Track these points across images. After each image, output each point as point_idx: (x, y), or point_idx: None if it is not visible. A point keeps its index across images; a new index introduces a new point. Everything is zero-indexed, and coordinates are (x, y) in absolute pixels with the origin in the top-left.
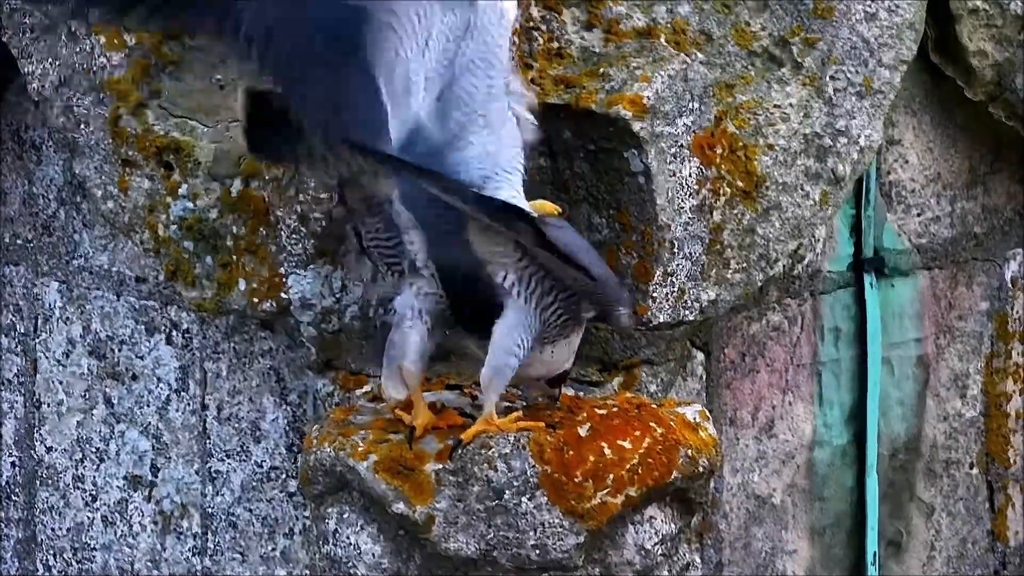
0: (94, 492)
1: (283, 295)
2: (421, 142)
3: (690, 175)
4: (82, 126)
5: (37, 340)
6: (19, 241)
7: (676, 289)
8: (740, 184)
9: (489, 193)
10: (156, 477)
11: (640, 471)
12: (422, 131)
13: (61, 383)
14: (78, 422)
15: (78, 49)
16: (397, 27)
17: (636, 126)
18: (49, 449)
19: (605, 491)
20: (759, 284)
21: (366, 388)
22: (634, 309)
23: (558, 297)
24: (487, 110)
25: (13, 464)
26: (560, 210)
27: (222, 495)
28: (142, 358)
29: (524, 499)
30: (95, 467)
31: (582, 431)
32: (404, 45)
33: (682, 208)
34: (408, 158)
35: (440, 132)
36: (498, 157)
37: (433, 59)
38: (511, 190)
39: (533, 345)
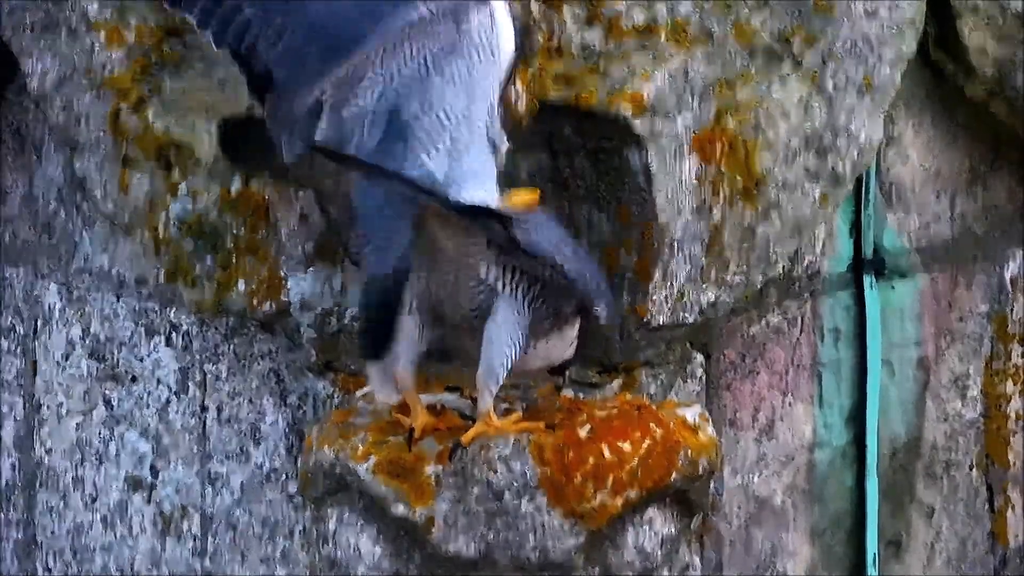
0: (94, 494)
1: (283, 296)
2: (360, 140)
3: (690, 173)
4: (82, 124)
5: (37, 342)
6: (19, 242)
7: (676, 291)
8: (740, 182)
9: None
10: (156, 479)
11: (640, 473)
12: (362, 131)
13: (61, 385)
14: (78, 424)
15: (78, 47)
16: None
17: (636, 124)
18: (49, 451)
19: (605, 493)
20: (759, 285)
21: (366, 390)
22: (617, 307)
23: (543, 286)
24: (455, 134)
25: (13, 466)
26: (536, 196)
27: (222, 497)
28: (142, 360)
29: (524, 501)
30: (95, 469)
31: (582, 433)
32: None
33: (682, 207)
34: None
35: (383, 137)
36: (455, 178)
37: (399, 67)
38: (476, 194)
39: (527, 340)
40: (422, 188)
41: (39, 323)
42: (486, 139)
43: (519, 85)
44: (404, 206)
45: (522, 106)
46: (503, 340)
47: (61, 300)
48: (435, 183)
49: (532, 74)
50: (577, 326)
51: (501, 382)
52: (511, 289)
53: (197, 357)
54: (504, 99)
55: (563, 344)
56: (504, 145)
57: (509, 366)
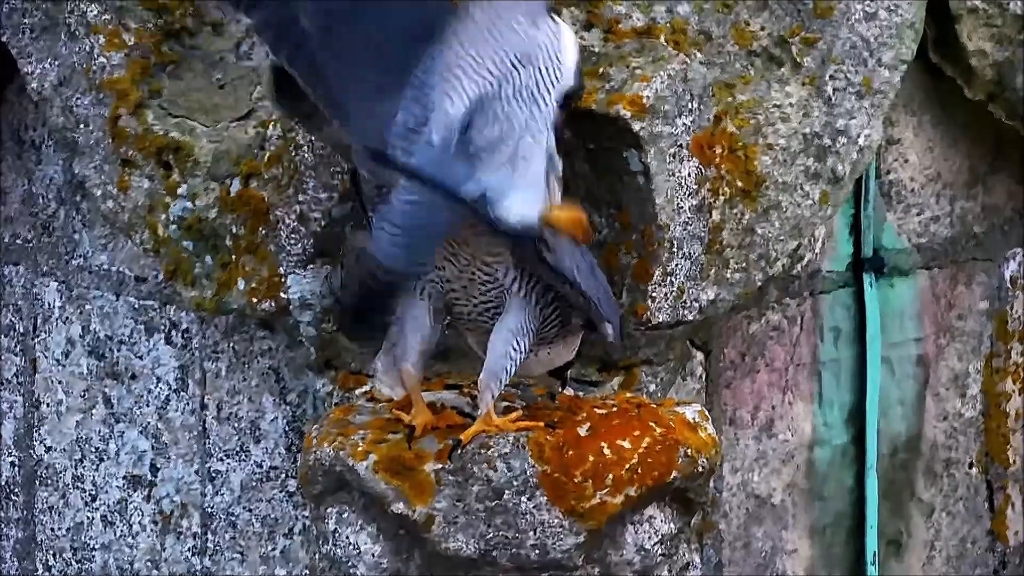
0: (93, 492)
1: (282, 295)
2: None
3: (689, 175)
4: (82, 126)
5: (36, 340)
6: (19, 241)
7: (675, 289)
8: (740, 184)
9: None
10: (155, 477)
11: (639, 471)
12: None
13: (60, 383)
14: (77, 422)
15: (77, 49)
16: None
17: (635, 126)
18: (48, 449)
19: (604, 491)
20: (758, 284)
21: (365, 388)
22: (622, 331)
23: (556, 295)
24: (517, 142)
25: (13, 464)
26: (580, 216)
27: (221, 495)
28: (141, 358)
29: (524, 499)
30: (94, 467)
31: (582, 431)
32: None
33: (681, 208)
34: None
35: (462, 142)
36: (509, 188)
37: (480, 74)
38: (522, 208)
39: (533, 345)
40: (467, 204)
41: (39, 321)
42: (545, 151)
43: None
44: (445, 212)
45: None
46: (510, 343)
47: (61, 298)
48: (485, 197)
49: None
50: (580, 336)
51: (504, 384)
52: (525, 291)
53: (197, 355)
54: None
55: (566, 352)
56: (558, 170)
57: (513, 370)
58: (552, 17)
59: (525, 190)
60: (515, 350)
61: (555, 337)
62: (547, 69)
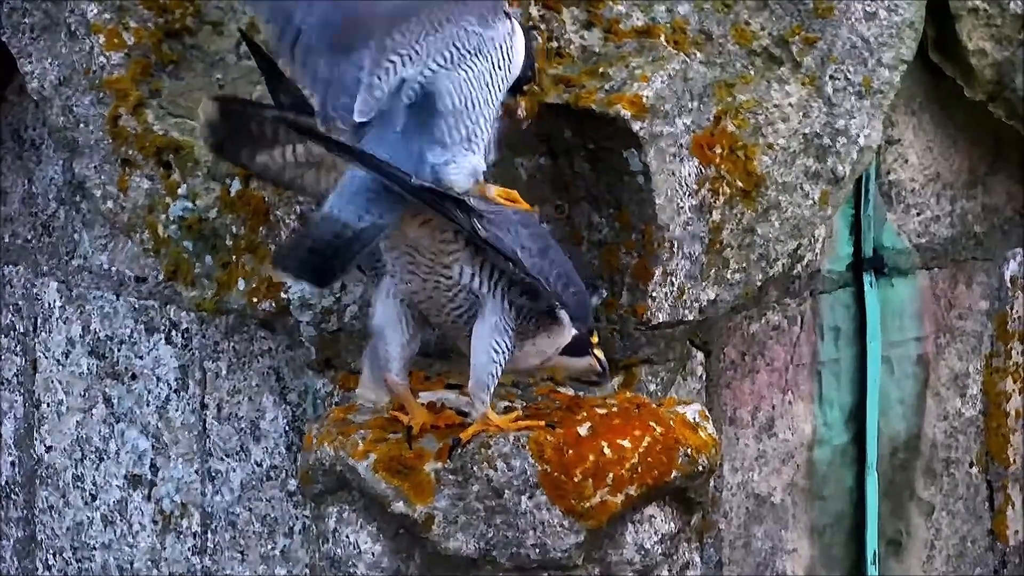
0: (94, 491)
1: (282, 295)
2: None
3: (689, 175)
4: (81, 126)
5: (37, 340)
6: (19, 241)
7: (676, 289)
8: (739, 184)
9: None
10: (156, 476)
11: (640, 470)
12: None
13: (61, 383)
14: (78, 422)
15: (77, 48)
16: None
17: (635, 126)
18: (49, 448)
19: (605, 490)
20: (759, 284)
21: None
22: (580, 312)
23: (524, 287)
24: (473, 128)
25: (13, 463)
26: (514, 195)
27: (222, 494)
28: (142, 358)
29: (524, 498)
30: (95, 466)
31: (582, 430)
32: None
33: (681, 208)
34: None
35: (409, 119)
36: (461, 168)
37: (434, 55)
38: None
39: (514, 341)
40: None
41: (39, 321)
42: (493, 140)
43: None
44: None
45: (523, 108)
46: (490, 346)
47: (61, 298)
48: (435, 171)
49: None
50: (568, 324)
51: (492, 388)
52: (489, 288)
53: (197, 355)
54: (506, 108)
55: (552, 341)
56: (493, 155)
57: (499, 371)
58: (508, 16)
59: (475, 174)
60: (495, 351)
61: (537, 329)
62: (500, 67)
